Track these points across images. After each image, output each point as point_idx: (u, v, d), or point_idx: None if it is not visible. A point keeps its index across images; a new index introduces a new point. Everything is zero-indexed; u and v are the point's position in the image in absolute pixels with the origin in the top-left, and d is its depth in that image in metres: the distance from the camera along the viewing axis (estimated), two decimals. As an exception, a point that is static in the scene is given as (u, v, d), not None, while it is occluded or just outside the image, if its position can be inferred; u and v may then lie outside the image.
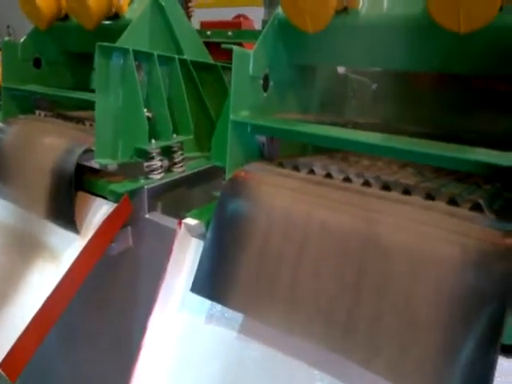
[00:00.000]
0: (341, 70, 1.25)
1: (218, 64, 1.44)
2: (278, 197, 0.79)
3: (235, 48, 0.85)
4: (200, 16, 1.98)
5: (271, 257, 0.75)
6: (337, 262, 0.69)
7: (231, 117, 0.87)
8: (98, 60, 1.09)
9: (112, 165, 1.23)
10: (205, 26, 1.87)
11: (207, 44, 1.50)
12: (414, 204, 0.71)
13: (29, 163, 1.20)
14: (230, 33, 1.70)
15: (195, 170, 1.28)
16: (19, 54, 1.38)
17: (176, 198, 1.28)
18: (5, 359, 0.93)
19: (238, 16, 2.17)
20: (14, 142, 1.28)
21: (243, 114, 0.89)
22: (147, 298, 0.93)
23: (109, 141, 1.13)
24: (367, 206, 0.72)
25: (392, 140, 0.71)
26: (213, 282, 0.81)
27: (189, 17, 1.84)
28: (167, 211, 1.22)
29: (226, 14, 2.11)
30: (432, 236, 0.64)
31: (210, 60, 1.43)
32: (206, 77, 1.38)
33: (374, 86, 1.41)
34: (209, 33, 1.75)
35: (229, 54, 0.90)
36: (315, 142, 0.85)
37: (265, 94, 0.95)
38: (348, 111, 1.27)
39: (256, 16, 1.98)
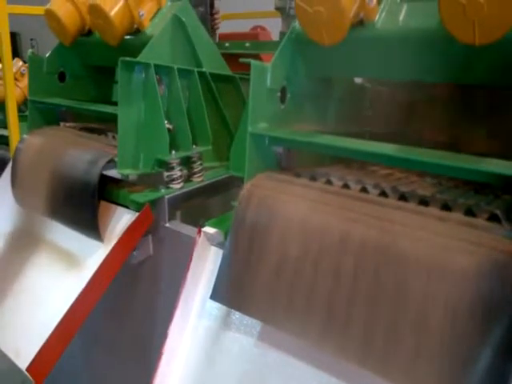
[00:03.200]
0: (357, 79, 1.26)
1: (237, 76, 1.46)
2: (296, 207, 0.80)
3: (253, 62, 0.87)
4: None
5: (289, 266, 0.77)
6: (353, 272, 0.70)
7: (249, 129, 0.89)
8: (120, 74, 1.12)
9: (133, 175, 1.27)
10: (223, 37, 1.91)
11: (225, 55, 1.53)
12: (431, 215, 0.72)
13: (53, 173, 1.24)
14: (247, 44, 1.73)
15: (214, 180, 1.31)
16: (45, 68, 1.43)
17: (195, 207, 1.31)
18: (32, 363, 0.97)
19: (256, 27, 2.20)
20: (38, 153, 1.32)
21: (261, 126, 0.91)
22: (167, 306, 0.96)
23: (131, 152, 1.17)
24: (384, 216, 0.73)
25: (408, 151, 0.72)
26: (231, 290, 0.83)
27: (215, 29, 1.87)
28: (186, 220, 1.24)
29: (244, 26, 2.15)
30: (448, 246, 0.65)
31: (228, 72, 1.46)
32: (224, 88, 1.41)
33: (391, 96, 1.42)
34: (227, 44, 1.78)
35: (247, 65, 0.92)
36: (332, 152, 0.87)
37: (282, 106, 0.97)
38: (365, 121, 1.28)
39: (273, 27, 2.00)
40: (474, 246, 0.64)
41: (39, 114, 1.45)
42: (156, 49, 1.19)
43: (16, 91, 2.66)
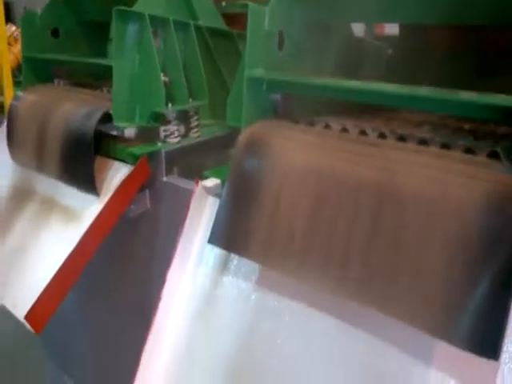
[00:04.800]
0: (357, 33, 1.24)
1: (234, 32, 1.44)
2: (293, 150, 0.79)
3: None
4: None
5: (286, 208, 0.76)
6: (351, 209, 0.70)
7: (246, 73, 0.88)
8: (115, 25, 1.10)
9: (130, 130, 1.25)
10: (220, -3, 1.86)
11: (222, 16, 1.50)
12: (430, 153, 0.72)
13: (48, 129, 1.22)
14: (244, 2, 1.69)
15: (211, 136, 1.30)
16: (38, 24, 1.40)
17: (191, 163, 1.30)
18: (30, 311, 0.97)
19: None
20: (33, 110, 1.30)
21: (258, 71, 0.89)
22: (165, 257, 0.96)
23: (126, 105, 1.15)
24: (383, 156, 0.72)
25: (410, 88, 0.70)
26: (229, 234, 0.83)
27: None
28: (183, 176, 1.24)
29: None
30: (447, 180, 0.65)
31: (224, 27, 1.43)
32: (221, 44, 1.39)
33: (390, 51, 1.40)
34: (224, 4, 1.74)
35: (243, 23, 0.90)
36: (332, 94, 0.85)
37: (280, 53, 0.95)
38: (363, 75, 1.26)
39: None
40: (473, 180, 0.63)
41: (33, 72, 1.43)
42: (151, -1, 1.16)
43: (9, 56, 2.63)
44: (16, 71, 2.63)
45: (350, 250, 0.68)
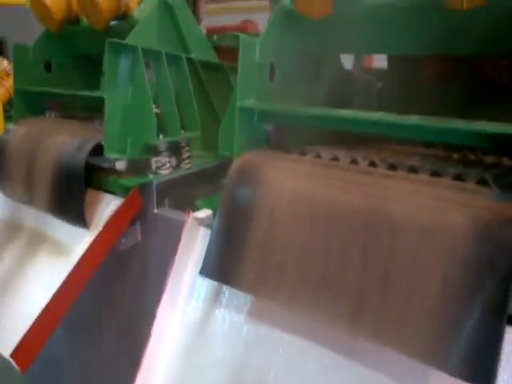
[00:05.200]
0: (347, 66, 1.26)
1: (225, 65, 1.46)
2: (284, 178, 0.79)
3: (241, 35, 0.87)
4: (207, 23, 2.02)
5: (278, 237, 0.75)
6: (344, 238, 0.69)
7: (238, 103, 0.88)
8: (107, 57, 1.11)
9: (120, 163, 1.25)
10: (211, 31, 1.90)
11: (214, 49, 1.52)
12: (420, 181, 0.72)
13: (38, 161, 1.21)
14: (236, 36, 1.72)
15: (202, 167, 1.29)
16: (30, 57, 1.41)
17: (183, 195, 1.29)
18: (16, 349, 0.93)
19: (245, 22, 2.20)
20: (23, 142, 1.30)
21: (250, 101, 0.90)
22: (156, 293, 0.94)
23: (118, 136, 1.15)
24: (373, 183, 0.72)
25: (402, 117, 0.71)
26: (221, 265, 0.81)
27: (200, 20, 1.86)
28: (174, 208, 1.22)
29: (232, 21, 2.14)
30: (438, 207, 0.64)
31: (216, 60, 1.45)
32: (212, 77, 1.40)
33: (379, 85, 1.42)
34: (215, 38, 1.77)
35: (234, 56, 0.92)
36: (323, 124, 0.86)
37: (271, 84, 0.96)
38: (353, 107, 1.28)
39: (263, 22, 2.00)
40: (463, 207, 0.63)
41: (24, 105, 1.43)
42: (143, 32, 1.18)
43: (1, 90, 2.64)
44: (7, 106, 2.64)
45: (342, 279, 0.67)
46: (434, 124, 0.67)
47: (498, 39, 0.73)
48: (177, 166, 1.26)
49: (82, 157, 1.11)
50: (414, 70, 1.38)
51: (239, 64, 0.88)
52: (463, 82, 1.25)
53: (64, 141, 1.19)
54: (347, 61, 1.32)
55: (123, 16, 1.25)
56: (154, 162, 1.19)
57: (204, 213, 1.04)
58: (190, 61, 1.30)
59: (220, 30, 1.85)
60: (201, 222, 1.00)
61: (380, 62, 1.43)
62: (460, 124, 0.66)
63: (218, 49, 1.61)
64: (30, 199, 1.24)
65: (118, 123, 1.14)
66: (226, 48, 1.69)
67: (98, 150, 1.15)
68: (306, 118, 0.85)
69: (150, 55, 1.19)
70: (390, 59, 1.38)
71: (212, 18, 1.98)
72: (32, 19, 1.44)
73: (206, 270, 0.83)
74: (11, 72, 2.58)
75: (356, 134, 0.92)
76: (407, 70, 1.33)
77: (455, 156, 0.95)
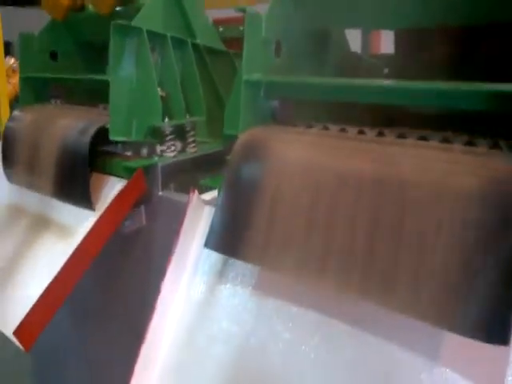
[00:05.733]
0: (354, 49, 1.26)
1: (231, 52, 1.45)
2: (290, 149, 0.78)
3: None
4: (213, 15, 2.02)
5: (284, 206, 0.74)
6: (352, 203, 0.68)
7: (244, 77, 0.87)
8: (112, 39, 1.11)
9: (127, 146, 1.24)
10: (217, 22, 1.90)
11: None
12: (431, 146, 0.70)
13: (42, 145, 1.21)
14: (241, 28, 1.72)
15: (207, 152, 1.29)
16: (36, 46, 1.41)
17: (188, 179, 1.28)
18: (18, 327, 0.92)
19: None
20: (28, 127, 1.30)
21: (256, 75, 0.89)
22: (161, 274, 0.92)
23: (123, 119, 1.14)
24: (382, 150, 0.71)
25: (415, 83, 0.70)
26: (226, 237, 0.80)
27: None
28: (179, 192, 1.21)
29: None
30: (450, 171, 0.63)
31: (222, 47, 1.45)
32: (218, 63, 1.40)
33: (386, 71, 1.41)
34: (221, 29, 1.77)
35: (240, 47, 0.91)
36: (332, 94, 0.84)
37: (277, 60, 0.95)
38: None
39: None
40: (476, 168, 0.62)
41: (30, 92, 1.43)
42: (149, 15, 1.17)
43: (7, 87, 2.67)
44: (14, 102, 2.66)
45: (351, 244, 0.66)
46: (444, 87, 0.66)
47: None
48: (182, 151, 1.25)
49: (87, 139, 1.11)
50: (422, 57, 1.37)
51: (245, 39, 0.88)
52: (473, 65, 1.24)
53: (68, 124, 1.18)
54: (354, 46, 1.32)
55: (128, 1, 1.26)
56: (160, 144, 1.18)
57: (210, 195, 1.04)
58: (195, 46, 1.30)
59: (226, 21, 1.85)
60: (207, 202, 0.99)
61: (387, 47, 1.42)
62: (471, 86, 0.65)
63: (223, 40, 1.61)
64: (34, 184, 1.24)
65: (124, 106, 1.14)
66: (231, 39, 1.69)
67: (102, 133, 1.14)
68: (313, 88, 0.84)
69: (156, 39, 1.19)
70: (397, 44, 1.38)
71: (217, 11, 1.98)
72: (36, 24, 1.46)
73: (211, 243, 0.81)
74: (17, 69, 2.61)
75: (365, 114, 0.91)
76: (414, 56, 1.32)
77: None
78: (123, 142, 1.20)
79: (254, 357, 0.76)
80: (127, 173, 1.12)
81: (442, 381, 0.59)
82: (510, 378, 0.55)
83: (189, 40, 1.27)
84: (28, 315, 0.94)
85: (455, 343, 0.59)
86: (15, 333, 0.92)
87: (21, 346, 0.93)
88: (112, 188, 1.15)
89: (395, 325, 0.64)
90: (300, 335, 0.73)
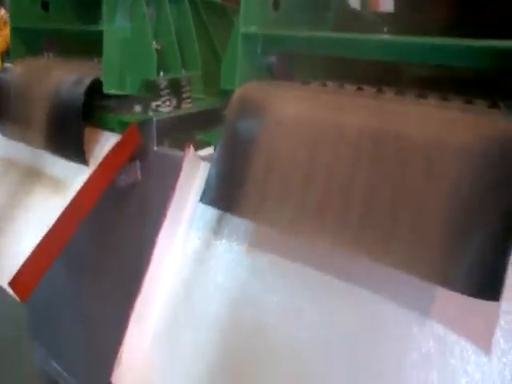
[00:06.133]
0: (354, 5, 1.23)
1: (228, 6, 1.41)
2: (288, 104, 0.77)
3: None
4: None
5: (280, 161, 0.74)
6: (349, 157, 0.68)
7: (242, 29, 0.86)
8: (106, -10, 1.07)
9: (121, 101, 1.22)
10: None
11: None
12: (430, 104, 0.70)
13: (35, 97, 1.19)
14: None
15: (203, 109, 1.27)
16: (27, -5, 1.37)
17: (183, 136, 1.27)
18: (14, 278, 0.93)
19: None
20: (20, 80, 1.27)
21: (253, 28, 0.87)
22: (156, 229, 0.93)
23: (117, 72, 1.12)
24: (382, 106, 0.70)
25: (413, 38, 0.69)
26: (222, 192, 0.80)
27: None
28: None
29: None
30: (448, 126, 0.63)
31: (219, 1, 1.41)
32: (215, 18, 1.36)
33: (385, 29, 1.38)
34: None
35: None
36: (332, 48, 0.83)
37: (275, 14, 0.93)
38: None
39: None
40: (476, 126, 0.61)
41: (22, 44, 1.39)
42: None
43: (-2, 40, 2.60)
44: (5, 55, 2.60)
45: (348, 198, 0.66)
46: (449, 42, 0.65)
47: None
48: (177, 107, 1.23)
49: (81, 90, 1.09)
50: (421, 15, 1.34)
51: (242, -11, 0.85)
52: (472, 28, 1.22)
53: (62, 76, 1.16)
54: (354, 3, 1.29)
55: None
56: (154, 99, 1.17)
57: (206, 151, 1.03)
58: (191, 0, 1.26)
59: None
60: (203, 158, 0.99)
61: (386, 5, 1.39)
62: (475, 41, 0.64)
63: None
64: (27, 137, 1.22)
65: (117, 58, 1.12)
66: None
67: (96, 87, 1.12)
68: (313, 42, 0.82)
69: (150, -9, 1.15)
70: (396, 2, 1.35)
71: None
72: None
73: (207, 198, 0.82)
74: (8, 21, 2.54)
75: (364, 72, 0.90)
76: (415, 15, 1.30)
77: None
78: (117, 97, 1.18)
79: (248, 310, 0.77)
80: (122, 127, 1.11)
81: (433, 334, 0.61)
82: (498, 334, 0.57)
83: (185, -8, 1.23)
84: (23, 266, 0.95)
85: (447, 299, 0.61)
86: (11, 283, 0.93)
87: (17, 297, 0.95)
88: (106, 142, 1.14)
89: (388, 279, 0.65)
90: (294, 290, 0.74)
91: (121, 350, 0.80)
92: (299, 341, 0.72)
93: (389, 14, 1.37)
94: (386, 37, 0.71)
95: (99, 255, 1.22)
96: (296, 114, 0.75)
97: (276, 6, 0.92)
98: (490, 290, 0.55)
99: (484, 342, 0.59)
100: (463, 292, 0.56)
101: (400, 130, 0.64)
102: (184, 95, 1.22)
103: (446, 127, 0.62)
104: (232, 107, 0.82)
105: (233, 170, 0.79)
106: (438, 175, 0.60)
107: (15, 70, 1.31)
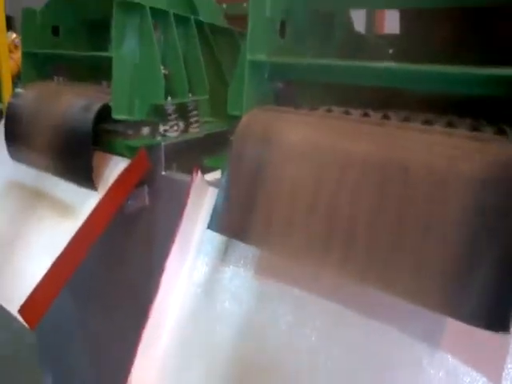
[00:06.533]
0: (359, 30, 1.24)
1: (235, 30, 1.43)
2: (294, 130, 0.78)
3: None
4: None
5: (287, 188, 0.74)
6: (355, 187, 0.68)
7: (248, 57, 0.86)
8: (115, 15, 1.09)
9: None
10: (221, 0, 1.87)
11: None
12: (435, 131, 0.70)
13: (45, 122, 1.21)
14: (245, 4, 1.69)
15: (211, 132, 1.28)
16: (38, 21, 1.40)
17: (191, 159, 1.28)
18: (23, 305, 0.94)
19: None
20: (31, 105, 1.29)
21: (261, 55, 0.88)
22: (164, 254, 0.93)
23: (126, 97, 1.14)
24: (387, 133, 0.71)
25: (421, 67, 0.69)
26: (229, 219, 0.80)
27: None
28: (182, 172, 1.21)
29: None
30: (454, 155, 0.63)
31: (226, 25, 1.43)
32: (222, 41, 1.38)
33: (391, 51, 1.39)
34: (224, 6, 1.75)
35: (244, 26, 0.90)
36: (338, 76, 0.84)
37: (282, 41, 0.94)
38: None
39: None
40: (481, 154, 0.61)
41: (33, 68, 1.42)
42: (151, -7, 1.15)
43: (10, 63, 2.65)
44: (16, 78, 2.64)
45: (354, 229, 0.66)
46: (456, 70, 0.65)
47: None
48: (185, 131, 1.24)
49: (91, 116, 1.10)
50: (427, 36, 1.35)
51: (249, 18, 0.86)
52: (479, 47, 1.22)
53: (71, 101, 1.18)
54: (359, 26, 1.30)
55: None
56: (162, 124, 1.18)
57: (213, 176, 1.04)
58: (198, 23, 1.28)
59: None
60: (210, 183, 0.99)
61: (392, 26, 1.40)
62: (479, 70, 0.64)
63: (227, 18, 1.59)
64: (37, 161, 1.24)
65: (126, 84, 1.13)
66: (235, 17, 1.67)
67: (105, 112, 1.14)
68: (319, 70, 0.83)
69: (158, 16, 1.17)
70: (402, 24, 1.35)
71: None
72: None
73: (214, 225, 0.82)
74: (19, 44, 2.58)
75: (369, 96, 0.90)
76: (420, 35, 1.31)
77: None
78: (125, 121, 1.20)
79: (255, 337, 0.77)
80: (130, 152, 1.12)
81: (443, 366, 0.60)
82: (509, 366, 0.56)
83: (192, 17, 1.25)
84: (33, 293, 0.95)
85: (456, 330, 0.60)
86: (20, 311, 0.93)
87: (26, 324, 0.95)
88: (115, 167, 1.15)
89: (397, 310, 0.65)
90: (302, 318, 0.74)
91: (129, 379, 0.80)
92: (307, 369, 0.71)
93: (394, 36, 1.38)
94: (392, 64, 0.71)
95: (107, 282, 1.23)
96: (302, 141, 0.75)
97: (282, 33, 0.93)
98: (499, 322, 0.55)
99: (494, 373, 0.58)
100: (472, 323, 0.56)
101: (405, 161, 0.64)
102: (191, 119, 1.24)
103: (451, 157, 0.62)
104: (238, 134, 0.83)
105: (239, 197, 0.79)
106: (444, 204, 0.60)
107: (26, 95, 1.33)
